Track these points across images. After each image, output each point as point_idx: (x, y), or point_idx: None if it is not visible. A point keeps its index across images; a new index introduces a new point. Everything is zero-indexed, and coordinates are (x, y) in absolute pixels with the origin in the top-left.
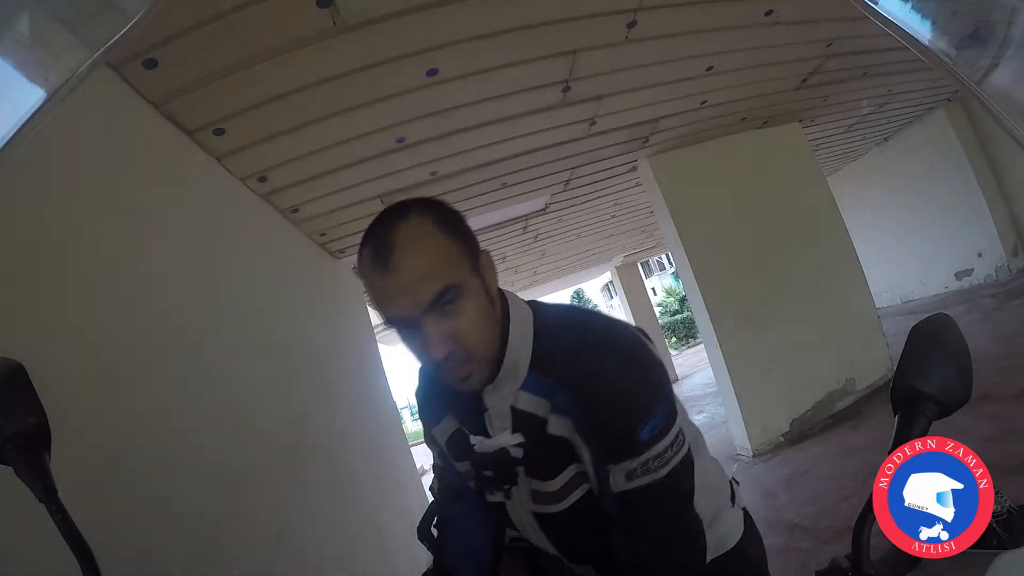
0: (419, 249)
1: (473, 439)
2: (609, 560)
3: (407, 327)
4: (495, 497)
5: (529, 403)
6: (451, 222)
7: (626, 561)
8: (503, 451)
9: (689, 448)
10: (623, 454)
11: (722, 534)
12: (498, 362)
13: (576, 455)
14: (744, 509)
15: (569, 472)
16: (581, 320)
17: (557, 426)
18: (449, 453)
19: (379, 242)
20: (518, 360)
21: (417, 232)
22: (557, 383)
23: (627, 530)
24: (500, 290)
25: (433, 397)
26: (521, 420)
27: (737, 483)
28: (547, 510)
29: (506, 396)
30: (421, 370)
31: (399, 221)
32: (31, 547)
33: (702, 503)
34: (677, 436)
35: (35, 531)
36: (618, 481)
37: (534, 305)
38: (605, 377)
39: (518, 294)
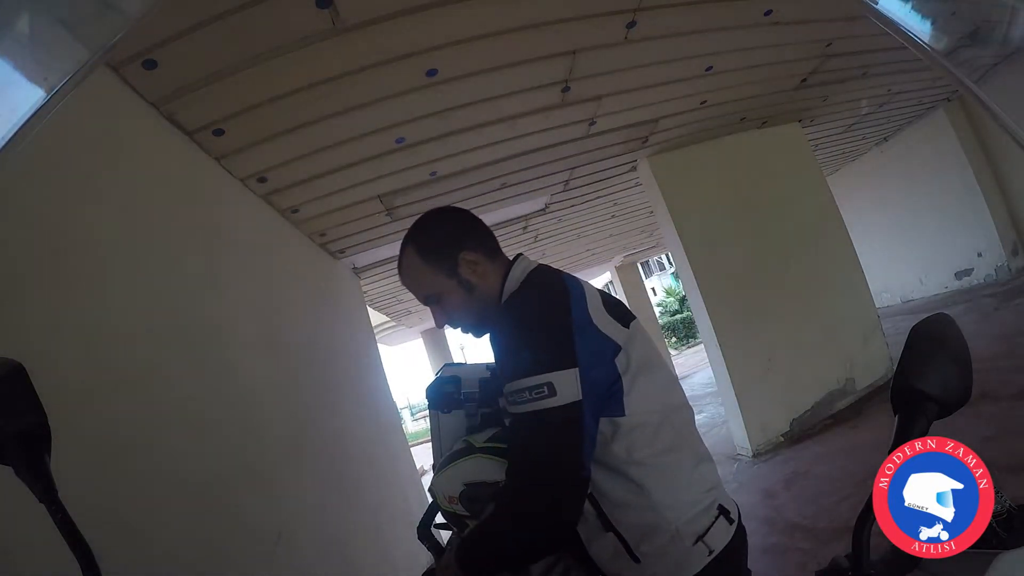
0: (405, 270)
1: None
2: None
3: None
4: None
5: None
6: (426, 248)
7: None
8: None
9: (569, 413)
10: (501, 376)
11: (663, 557)
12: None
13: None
14: (716, 559)
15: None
16: (535, 277)
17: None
18: None
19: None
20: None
21: (406, 258)
22: None
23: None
24: (515, 256)
25: None
26: None
27: (730, 520)
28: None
29: None
30: None
31: (403, 246)
32: (31, 547)
33: (633, 512)
34: (541, 387)
35: (35, 531)
36: (506, 404)
37: (532, 269)
38: (504, 313)
39: None
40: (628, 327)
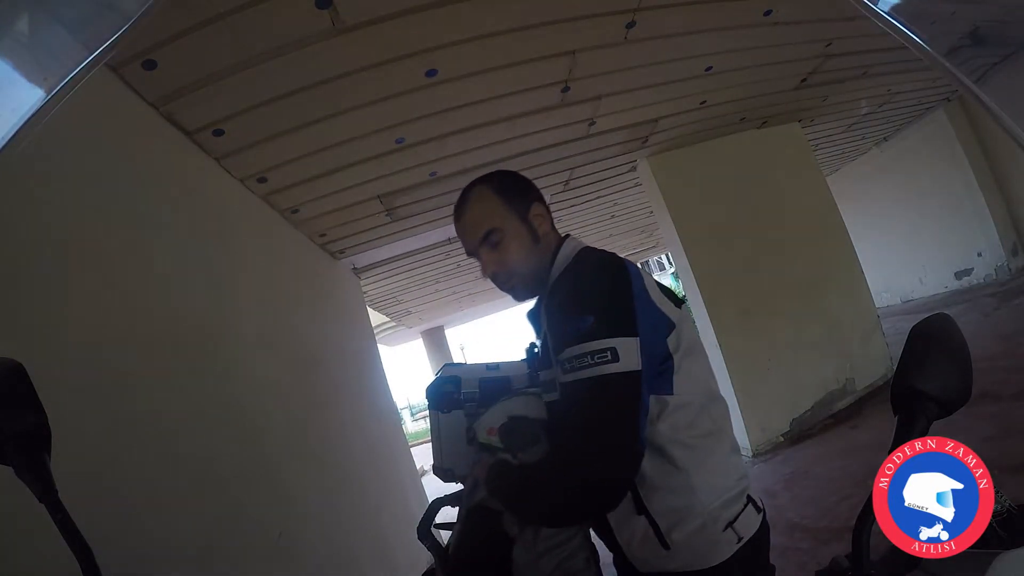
0: (473, 206)
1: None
2: None
3: (474, 256)
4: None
5: None
6: (504, 187)
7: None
8: (534, 344)
9: (630, 381)
10: (556, 344)
11: (693, 544)
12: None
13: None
14: (744, 547)
15: (549, 373)
16: (589, 252)
17: (546, 323)
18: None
19: (457, 202)
20: (556, 279)
21: (475, 195)
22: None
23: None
24: (564, 235)
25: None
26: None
27: (758, 509)
28: (547, 398)
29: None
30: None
31: (469, 189)
32: (31, 547)
33: (669, 494)
34: (605, 352)
35: (35, 531)
36: (559, 373)
37: (584, 246)
38: (564, 281)
39: None
40: (680, 308)
